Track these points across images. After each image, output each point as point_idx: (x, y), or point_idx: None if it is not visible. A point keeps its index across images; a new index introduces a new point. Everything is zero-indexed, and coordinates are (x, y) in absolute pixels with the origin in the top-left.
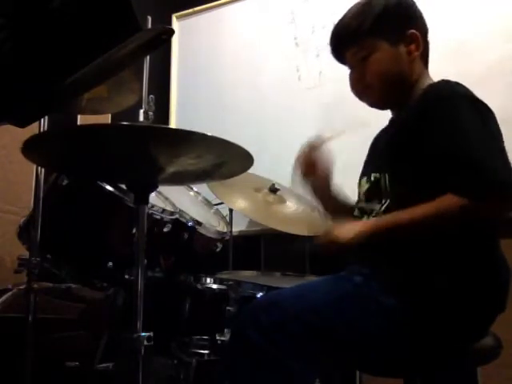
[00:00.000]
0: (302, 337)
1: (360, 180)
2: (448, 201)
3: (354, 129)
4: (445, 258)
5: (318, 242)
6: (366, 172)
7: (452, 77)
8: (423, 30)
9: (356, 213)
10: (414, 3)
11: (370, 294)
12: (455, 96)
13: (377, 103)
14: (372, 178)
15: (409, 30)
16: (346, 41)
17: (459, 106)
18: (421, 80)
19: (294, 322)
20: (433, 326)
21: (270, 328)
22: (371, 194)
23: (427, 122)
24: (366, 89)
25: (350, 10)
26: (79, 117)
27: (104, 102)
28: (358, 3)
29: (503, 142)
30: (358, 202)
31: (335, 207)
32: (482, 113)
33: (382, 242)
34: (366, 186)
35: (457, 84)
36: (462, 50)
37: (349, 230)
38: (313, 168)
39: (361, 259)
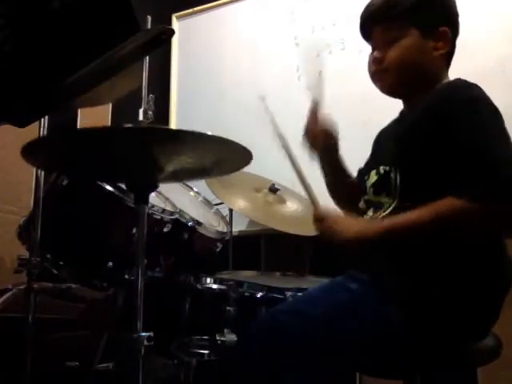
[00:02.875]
0: (302, 352)
1: (369, 172)
2: (449, 203)
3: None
4: (447, 260)
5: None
6: (373, 164)
7: (452, 77)
8: (455, 31)
9: (361, 205)
10: (454, 3)
11: (366, 303)
12: (475, 99)
13: (389, 89)
14: (381, 171)
15: (441, 26)
16: (380, 17)
17: (480, 109)
18: (439, 79)
19: (293, 338)
20: (433, 330)
21: (269, 345)
22: (380, 186)
23: (447, 123)
24: (383, 72)
25: None
26: (79, 115)
27: (103, 93)
28: None
29: None
30: (365, 194)
31: (340, 174)
32: (498, 117)
33: (379, 247)
34: (374, 178)
35: (475, 86)
36: (462, 50)
37: (347, 228)
38: (319, 136)
39: (361, 264)
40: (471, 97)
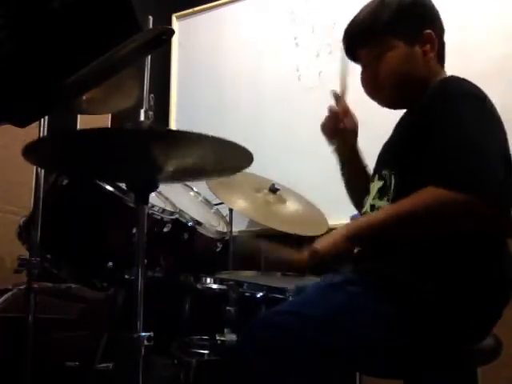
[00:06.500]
0: (302, 352)
1: (373, 177)
2: (432, 193)
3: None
4: (448, 261)
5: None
6: (377, 169)
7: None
8: (439, 31)
9: (367, 208)
10: (430, 3)
11: (366, 303)
12: (459, 94)
13: (389, 103)
14: (384, 175)
15: (425, 30)
16: (361, 38)
17: (462, 104)
18: (436, 80)
19: (292, 339)
20: (433, 330)
21: (268, 347)
22: (383, 191)
23: (429, 121)
24: (378, 88)
25: (364, 9)
26: (79, 116)
27: (101, 104)
28: (372, 2)
29: (504, 141)
30: (372, 198)
31: (357, 165)
32: (485, 112)
33: (367, 244)
34: (379, 184)
35: (464, 81)
36: (462, 50)
37: (325, 239)
38: (338, 126)
39: (360, 266)
40: (455, 92)
